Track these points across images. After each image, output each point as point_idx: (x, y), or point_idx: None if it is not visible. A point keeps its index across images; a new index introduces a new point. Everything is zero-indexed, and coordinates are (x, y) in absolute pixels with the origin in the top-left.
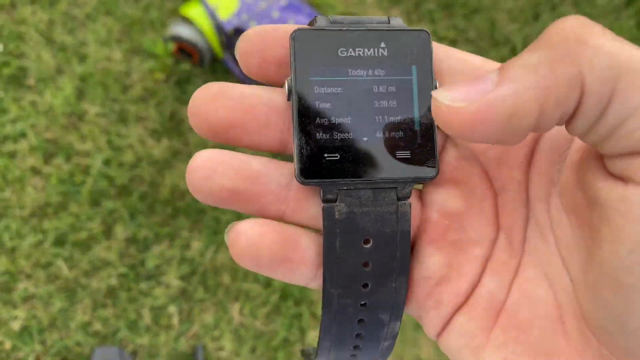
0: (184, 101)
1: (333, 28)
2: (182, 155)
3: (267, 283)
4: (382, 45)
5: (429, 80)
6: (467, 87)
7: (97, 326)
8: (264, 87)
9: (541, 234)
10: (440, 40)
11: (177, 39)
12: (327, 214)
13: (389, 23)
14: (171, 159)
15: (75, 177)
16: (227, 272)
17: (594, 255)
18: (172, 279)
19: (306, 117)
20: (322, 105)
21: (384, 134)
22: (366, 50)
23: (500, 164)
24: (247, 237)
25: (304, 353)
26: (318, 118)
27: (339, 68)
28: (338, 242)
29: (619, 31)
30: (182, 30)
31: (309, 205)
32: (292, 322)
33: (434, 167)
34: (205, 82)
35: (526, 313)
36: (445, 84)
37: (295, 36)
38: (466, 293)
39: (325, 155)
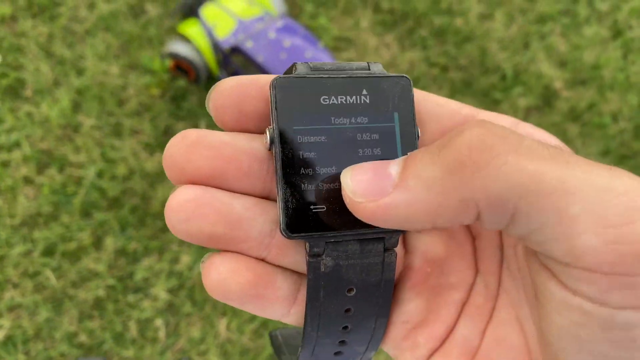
0: (179, 117)
1: (314, 75)
2: None
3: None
4: (364, 92)
5: (411, 127)
6: (367, 181)
7: (83, 337)
8: (244, 134)
9: (513, 278)
10: (432, 66)
11: (174, 56)
12: (313, 268)
13: (369, 69)
14: (163, 173)
15: (67, 187)
16: None
17: (540, 320)
18: (160, 292)
19: (291, 167)
20: (307, 155)
21: None
22: (348, 97)
23: None
24: (219, 271)
25: (271, 338)
26: (303, 168)
27: (322, 116)
28: (322, 293)
29: (605, 62)
30: (180, 48)
31: (291, 253)
32: None
33: None
34: (200, 99)
35: (498, 358)
36: (422, 129)
37: (276, 84)
38: (442, 337)
39: (312, 207)
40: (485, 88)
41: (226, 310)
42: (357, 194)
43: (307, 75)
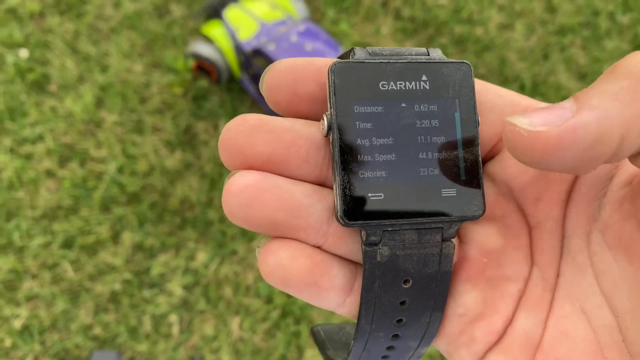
0: (200, 116)
1: (373, 60)
2: (194, 167)
3: (269, 299)
4: (424, 78)
5: (472, 114)
6: (544, 113)
7: (98, 330)
8: (301, 120)
9: (578, 269)
10: None
11: (197, 57)
12: (369, 257)
13: (429, 55)
14: (183, 171)
15: (88, 182)
16: (229, 285)
17: None
18: (175, 288)
19: (349, 154)
20: (365, 142)
21: (428, 171)
22: (408, 83)
23: (539, 201)
24: (277, 257)
25: (314, 334)
26: (361, 155)
27: (381, 102)
28: (377, 284)
29: None
30: (203, 49)
31: (348, 241)
32: (290, 340)
33: (481, 205)
34: (221, 99)
35: (564, 350)
36: (482, 119)
37: (334, 69)
38: (500, 331)
39: (369, 195)
40: None
41: (239, 309)
42: (537, 123)
43: (366, 60)
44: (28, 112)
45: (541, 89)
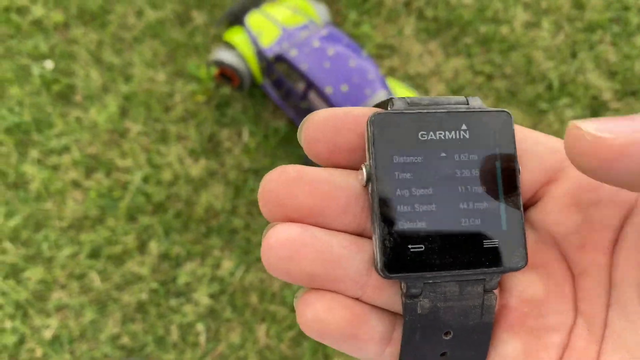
0: (223, 123)
1: (412, 111)
2: (218, 175)
3: (294, 306)
4: (464, 127)
5: (513, 164)
6: (613, 121)
7: (126, 340)
8: (339, 170)
9: (628, 320)
10: (477, 74)
11: (219, 64)
12: (409, 309)
13: (468, 104)
14: (207, 179)
15: (114, 192)
16: (255, 292)
17: None
18: (202, 297)
19: (388, 205)
20: (404, 192)
21: (469, 221)
22: (447, 132)
23: (583, 248)
24: (315, 310)
25: None
26: (400, 206)
27: (421, 152)
28: (418, 335)
29: None
30: (225, 56)
31: (388, 293)
32: (317, 348)
33: (523, 256)
34: (244, 106)
35: None
36: (522, 166)
37: (373, 120)
38: None
39: (410, 246)
40: (531, 98)
41: (265, 317)
42: (603, 130)
43: (405, 111)
44: (54, 123)
45: (569, 88)
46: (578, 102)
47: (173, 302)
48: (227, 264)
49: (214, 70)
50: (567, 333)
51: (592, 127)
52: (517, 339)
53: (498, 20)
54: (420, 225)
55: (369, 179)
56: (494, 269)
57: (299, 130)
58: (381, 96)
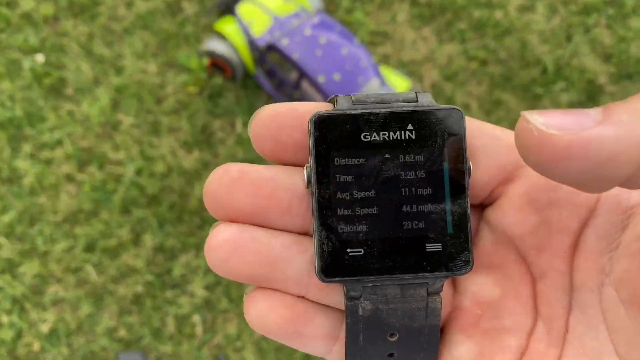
0: (216, 114)
1: (355, 111)
2: (212, 166)
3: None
4: (409, 127)
5: (461, 165)
6: (564, 116)
7: (122, 332)
8: (285, 168)
9: (589, 324)
10: (471, 60)
11: (211, 54)
12: (351, 311)
13: (417, 101)
14: (201, 170)
15: (107, 185)
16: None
17: None
18: (197, 289)
19: (327, 209)
20: (345, 195)
21: (412, 225)
22: (392, 133)
23: (541, 251)
24: (257, 308)
25: None
26: (340, 209)
27: (363, 155)
28: (361, 337)
29: None
30: (216, 46)
31: (331, 293)
32: None
33: (468, 260)
34: (237, 96)
35: None
36: (476, 164)
37: (314, 121)
38: None
39: (348, 250)
40: (526, 83)
41: None
42: (552, 125)
43: (348, 111)
44: (46, 117)
45: (565, 72)
46: (573, 86)
47: (169, 294)
48: None
49: (206, 61)
50: (525, 336)
51: (540, 121)
52: (471, 341)
53: (492, 4)
54: (360, 229)
55: (309, 181)
56: (437, 273)
57: (248, 125)
58: (374, 84)
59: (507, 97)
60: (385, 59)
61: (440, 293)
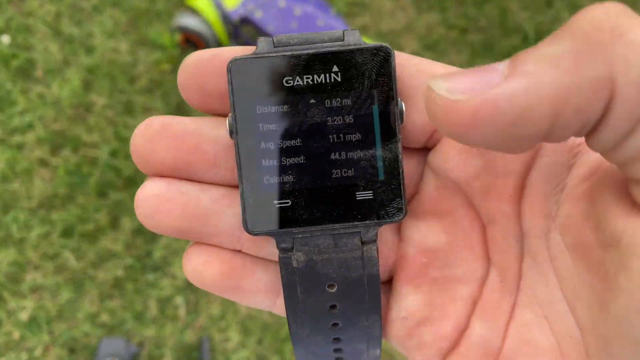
0: None
1: (275, 54)
2: None
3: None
4: (335, 69)
5: (392, 107)
6: (469, 77)
7: (104, 317)
8: (210, 119)
9: (539, 271)
10: (451, 28)
11: (183, 30)
12: (284, 264)
13: (344, 40)
14: None
15: (82, 168)
16: None
17: (607, 306)
18: (179, 270)
19: (251, 159)
20: (269, 145)
21: (341, 173)
22: (316, 76)
23: (487, 195)
24: (192, 263)
25: None
26: (264, 160)
27: (286, 100)
28: (299, 290)
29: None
30: (188, 21)
31: (265, 246)
32: None
33: (401, 208)
34: None
35: None
36: (413, 105)
37: (231, 67)
38: (453, 336)
39: (275, 202)
40: (507, 50)
41: None
42: (456, 90)
43: (267, 55)
44: (15, 101)
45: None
46: None
47: (150, 276)
48: None
49: (178, 37)
50: (478, 285)
51: (443, 87)
52: (419, 291)
53: None
54: (287, 179)
55: (232, 131)
56: (368, 222)
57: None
58: None
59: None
60: (363, 30)
61: (377, 241)
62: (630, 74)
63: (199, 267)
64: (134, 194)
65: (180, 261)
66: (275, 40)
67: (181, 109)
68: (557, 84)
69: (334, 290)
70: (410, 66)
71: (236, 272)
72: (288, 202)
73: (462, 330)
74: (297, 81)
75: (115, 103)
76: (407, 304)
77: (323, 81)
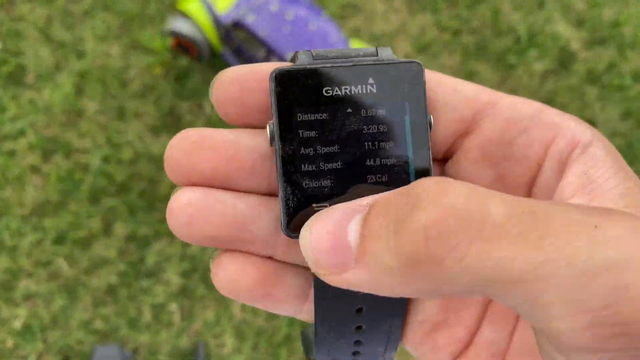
0: (183, 96)
1: (315, 65)
2: None
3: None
4: (370, 81)
5: (422, 117)
6: (328, 251)
7: (98, 324)
8: (247, 130)
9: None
10: (444, 30)
11: (175, 34)
12: None
13: (377, 55)
14: None
15: (74, 174)
16: None
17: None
18: (173, 276)
19: (291, 164)
20: (308, 151)
21: (376, 178)
22: (353, 87)
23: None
24: (226, 271)
25: (303, 335)
26: (304, 165)
27: (325, 109)
28: (330, 293)
29: (626, 19)
30: (180, 25)
31: (299, 250)
32: (293, 319)
33: None
34: (204, 77)
35: None
36: (436, 118)
37: (275, 77)
38: (465, 340)
39: (314, 205)
40: (500, 52)
41: None
42: (319, 264)
43: (308, 66)
44: (6, 107)
45: (538, 40)
46: (546, 54)
47: (144, 283)
48: None
49: (170, 41)
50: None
51: (311, 258)
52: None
53: None
54: (325, 184)
55: (272, 138)
56: None
57: (209, 91)
58: None
59: (481, 68)
60: (356, 32)
61: None
62: (453, 291)
63: (233, 275)
64: (127, 199)
65: (173, 267)
66: (314, 53)
67: (173, 113)
68: (393, 287)
69: (362, 292)
70: (433, 80)
71: (269, 279)
72: (326, 206)
73: (474, 334)
74: (336, 91)
75: (107, 108)
76: (424, 307)
77: (360, 92)
